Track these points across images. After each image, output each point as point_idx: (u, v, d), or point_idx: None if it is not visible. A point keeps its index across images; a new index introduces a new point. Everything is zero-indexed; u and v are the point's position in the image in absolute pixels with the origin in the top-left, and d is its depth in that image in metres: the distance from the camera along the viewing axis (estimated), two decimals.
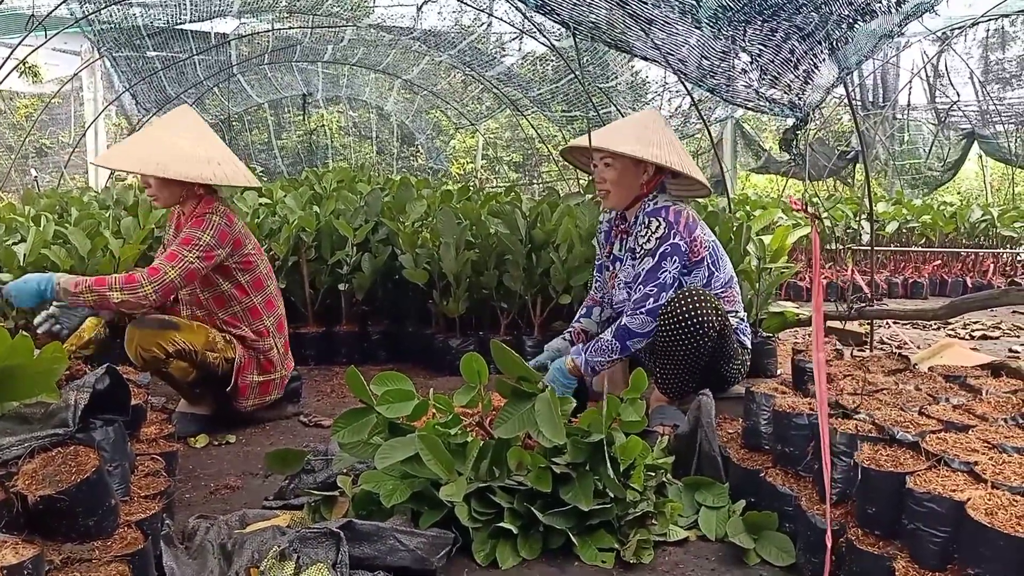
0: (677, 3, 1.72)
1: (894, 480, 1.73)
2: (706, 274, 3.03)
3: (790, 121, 2.58)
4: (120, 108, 12.18)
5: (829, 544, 1.70)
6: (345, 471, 2.33)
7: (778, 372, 3.93)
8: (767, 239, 4.04)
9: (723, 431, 2.61)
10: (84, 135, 11.85)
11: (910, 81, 10.87)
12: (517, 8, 6.20)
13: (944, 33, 9.79)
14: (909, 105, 11.98)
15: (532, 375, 2.16)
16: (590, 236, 3.91)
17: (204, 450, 2.99)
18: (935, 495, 1.62)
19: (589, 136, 2.99)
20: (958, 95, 10.64)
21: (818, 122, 13.30)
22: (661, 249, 2.90)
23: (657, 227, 2.92)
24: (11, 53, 7.45)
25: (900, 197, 9.53)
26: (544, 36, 7.02)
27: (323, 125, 16.58)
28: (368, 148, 17.18)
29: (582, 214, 4.09)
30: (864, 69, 10.41)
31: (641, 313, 2.86)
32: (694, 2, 1.69)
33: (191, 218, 3.05)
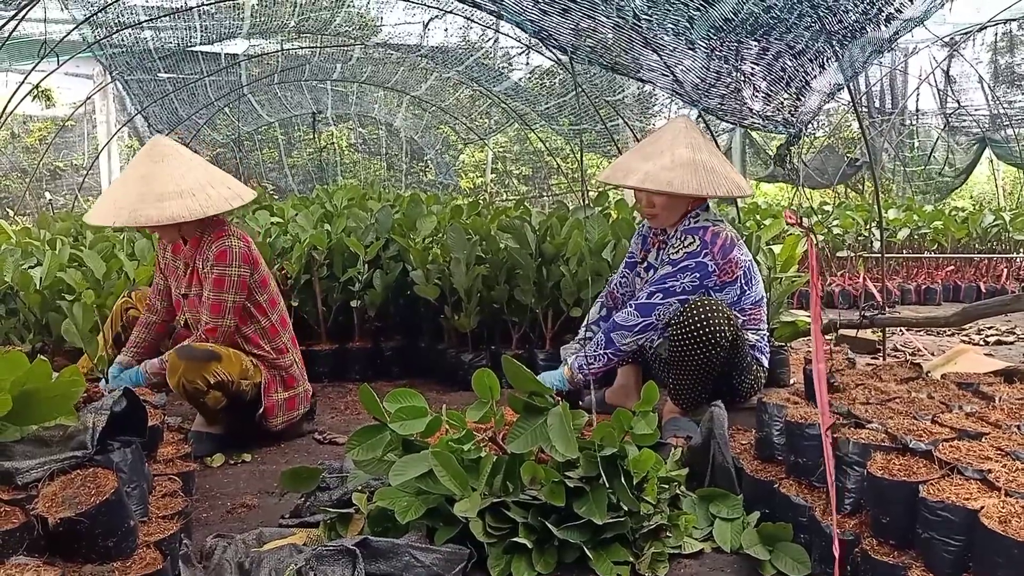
0: (671, 25, 1.74)
1: (907, 489, 1.73)
2: (737, 292, 3.04)
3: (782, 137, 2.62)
4: (133, 130, 12.32)
5: (837, 554, 1.70)
6: (360, 488, 2.35)
7: (791, 382, 3.92)
8: (777, 248, 4.04)
9: (736, 442, 2.61)
10: (97, 157, 11.97)
11: (918, 87, 10.85)
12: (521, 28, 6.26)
13: (952, 39, 9.79)
14: (918, 111, 11.96)
15: (544, 390, 2.17)
16: (600, 249, 3.93)
17: (220, 469, 3.01)
18: (948, 504, 1.62)
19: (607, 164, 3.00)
20: (958, 103, 10.60)
21: (827, 129, 13.29)
22: (684, 262, 2.92)
23: (691, 243, 2.95)
24: (24, 79, 7.56)
25: (911, 203, 9.50)
26: (550, 51, 7.06)
27: (333, 143, 16.69)
28: (378, 164, 17.28)
29: (591, 227, 4.11)
30: (871, 76, 10.41)
31: (631, 306, 2.88)
32: (687, 24, 1.72)
33: (209, 246, 3.08)
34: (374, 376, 4.32)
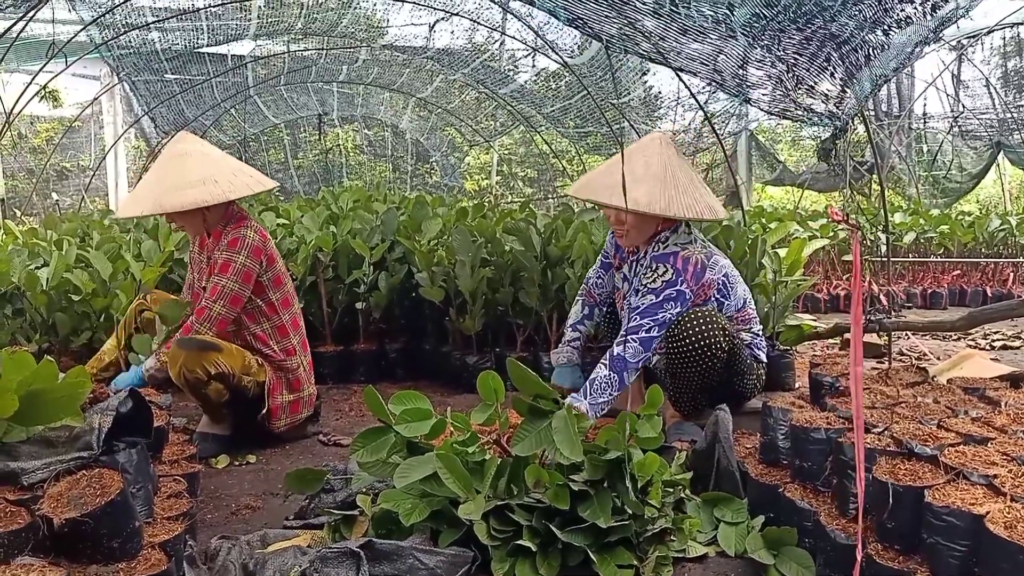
0: (711, 13, 1.72)
1: (913, 494, 1.73)
2: (717, 306, 3.03)
3: (818, 131, 2.59)
4: (139, 131, 12.35)
5: (860, 556, 1.70)
6: (364, 490, 2.35)
7: (796, 386, 3.92)
8: (783, 252, 4.04)
9: (741, 446, 2.61)
10: (104, 158, 12.01)
11: (925, 91, 10.81)
12: (529, 26, 6.24)
13: (959, 42, 9.76)
14: (925, 115, 11.92)
15: (548, 393, 2.17)
16: None
17: (225, 470, 3.01)
18: (954, 509, 1.62)
19: (578, 181, 2.99)
20: (963, 107, 10.56)
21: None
22: (666, 292, 2.88)
23: (664, 272, 2.91)
24: (32, 79, 7.59)
25: (917, 207, 9.47)
26: (556, 53, 7.07)
27: (339, 144, 16.72)
28: (383, 166, 17.29)
29: (596, 230, 4.11)
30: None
31: (635, 342, 2.84)
32: (727, 11, 1.70)
33: (227, 236, 3.10)
34: (379, 378, 4.33)
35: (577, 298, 3.43)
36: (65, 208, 13.00)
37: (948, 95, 10.72)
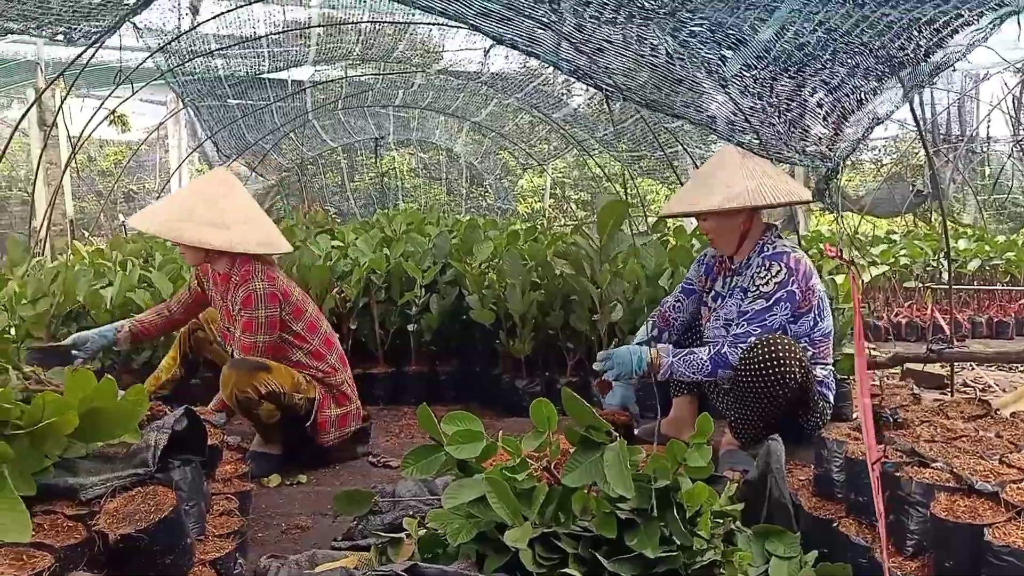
0: (704, 63, 1.74)
1: (972, 532, 1.67)
2: (811, 323, 2.98)
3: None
4: (203, 154, 12.72)
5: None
6: (411, 513, 2.36)
7: (853, 416, 3.82)
8: (840, 279, 3.96)
9: (794, 478, 2.55)
10: (168, 181, 12.38)
11: (988, 114, 10.55)
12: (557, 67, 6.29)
13: None
14: (989, 138, 11.61)
15: (601, 425, 2.16)
16: (656, 276, 3.90)
17: (276, 489, 3.06)
18: (1015, 548, 1.56)
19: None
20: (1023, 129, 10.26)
21: (894, 156, 13.00)
22: (777, 294, 2.87)
23: (778, 272, 2.90)
24: (101, 104, 7.89)
25: (982, 233, 9.20)
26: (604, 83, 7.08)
27: (394, 168, 16.97)
28: (438, 189, 17.49)
29: (647, 254, 4.09)
30: (938, 103, 10.15)
31: (740, 348, 2.84)
32: (720, 62, 1.71)
33: (236, 289, 3.14)
34: (429, 400, 4.28)
35: (648, 319, 3.40)
36: (131, 230, 13.43)
37: (1011, 117, 10.43)
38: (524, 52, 1.64)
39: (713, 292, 3.21)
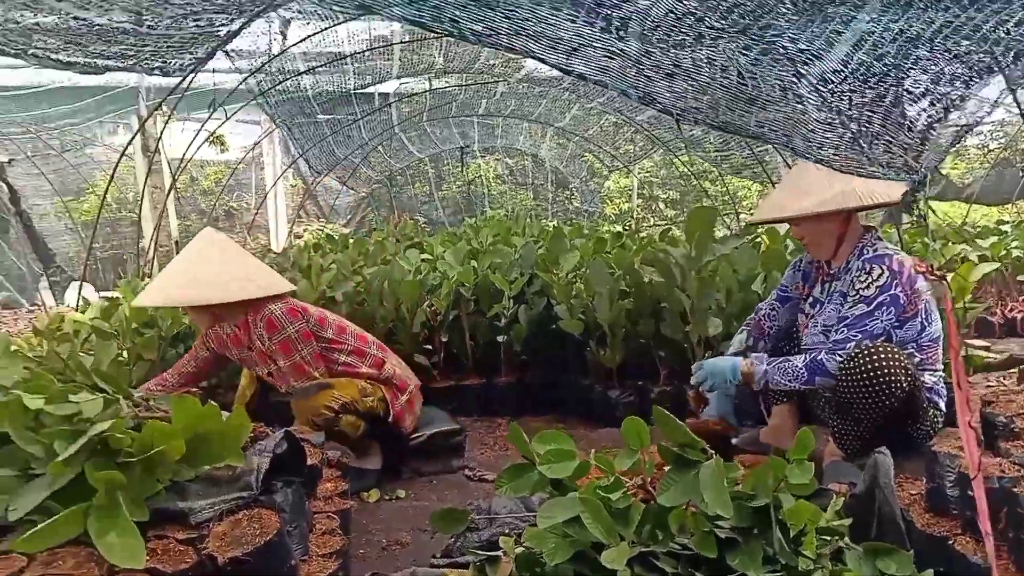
0: (777, 82, 1.67)
1: None
2: (918, 328, 2.86)
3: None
4: (296, 171, 13.13)
5: None
6: (507, 531, 2.36)
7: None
8: (949, 276, 3.78)
9: (904, 492, 2.44)
10: (265, 198, 12.82)
11: None
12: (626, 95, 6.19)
13: None
14: None
15: (696, 443, 2.11)
16: (749, 281, 3.81)
17: (376, 505, 3.11)
18: None
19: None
20: None
21: (1001, 141, 12.34)
22: (879, 298, 2.77)
23: (879, 275, 2.79)
24: (201, 127, 8.24)
25: None
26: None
27: (480, 175, 17.12)
28: (524, 194, 17.56)
29: (739, 258, 3.99)
30: None
31: (840, 355, 2.74)
32: (795, 79, 1.65)
33: (257, 326, 3.16)
34: (521, 411, 4.36)
35: (742, 328, 3.32)
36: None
37: None
38: (594, 82, 1.61)
39: (811, 298, 3.11)
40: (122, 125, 14.02)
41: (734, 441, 3.32)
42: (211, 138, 9.62)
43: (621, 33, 1.41)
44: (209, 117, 7.71)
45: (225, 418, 2.14)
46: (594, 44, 1.41)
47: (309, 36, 7.01)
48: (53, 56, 2.67)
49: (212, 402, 2.09)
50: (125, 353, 3.82)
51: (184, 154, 8.21)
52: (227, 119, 8.24)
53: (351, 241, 7.29)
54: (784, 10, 1.44)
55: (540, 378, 4.54)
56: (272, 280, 3.28)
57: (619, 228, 9.38)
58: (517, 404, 4.43)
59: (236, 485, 2.07)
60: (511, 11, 1.30)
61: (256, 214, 13.23)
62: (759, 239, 4.71)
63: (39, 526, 1.74)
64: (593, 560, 2.07)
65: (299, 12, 6.49)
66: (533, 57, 1.47)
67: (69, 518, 1.78)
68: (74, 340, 3.72)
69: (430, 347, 4.47)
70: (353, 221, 15.88)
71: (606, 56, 1.48)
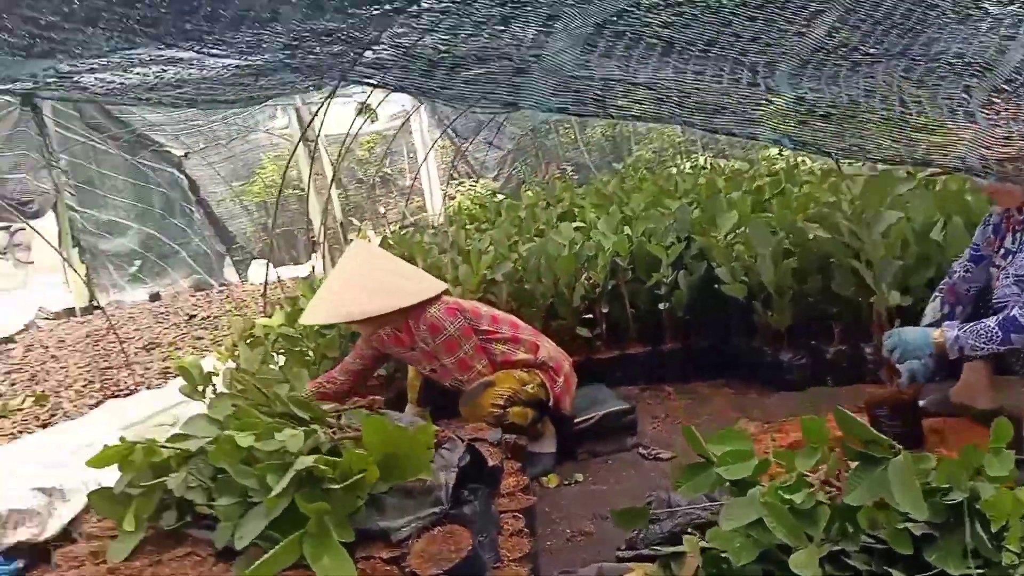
0: (945, 101, 1.53)
1: None
2: None
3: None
4: (445, 134, 13.42)
5: None
6: (690, 520, 2.39)
7: None
8: None
9: None
10: (419, 170, 13.24)
11: None
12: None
13: None
14: None
15: (880, 440, 2.05)
16: (926, 231, 3.57)
17: (555, 490, 3.22)
18: None
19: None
20: None
21: None
22: None
23: None
24: (362, 109, 8.61)
25: None
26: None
27: None
28: (672, 130, 17.05)
29: (913, 205, 3.75)
30: None
31: None
32: (964, 95, 1.50)
33: (420, 328, 3.27)
34: (688, 377, 4.32)
35: (935, 294, 3.13)
36: (389, 209, 14.52)
37: None
38: (740, 136, 1.55)
39: (1003, 250, 2.89)
40: (279, 108, 14.75)
41: (922, 403, 3.16)
42: (361, 109, 9.97)
43: (769, 82, 1.35)
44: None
45: (412, 430, 2.27)
46: (741, 102, 1.37)
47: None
48: (220, 99, 2.86)
49: (399, 424, 2.23)
50: (311, 353, 4.10)
51: (348, 130, 8.58)
52: (374, 88, 8.49)
53: (502, 210, 7.40)
54: (947, 20, 1.33)
55: (706, 343, 4.47)
56: (423, 284, 3.41)
57: (779, 165, 8.95)
58: (683, 370, 4.39)
59: (428, 499, 2.21)
60: (653, 83, 1.28)
61: (414, 180, 13.68)
62: (935, 179, 4.38)
63: (265, 556, 1.94)
64: (779, 560, 2.07)
65: None
66: (678, 123, 1.44)
67: (288, 548, 1.97)
68: (265, 343, 4.04)
69: (591, 317, 4.51)
70: (502, 175, 16.04)
71: (752, 106, 1.42)
